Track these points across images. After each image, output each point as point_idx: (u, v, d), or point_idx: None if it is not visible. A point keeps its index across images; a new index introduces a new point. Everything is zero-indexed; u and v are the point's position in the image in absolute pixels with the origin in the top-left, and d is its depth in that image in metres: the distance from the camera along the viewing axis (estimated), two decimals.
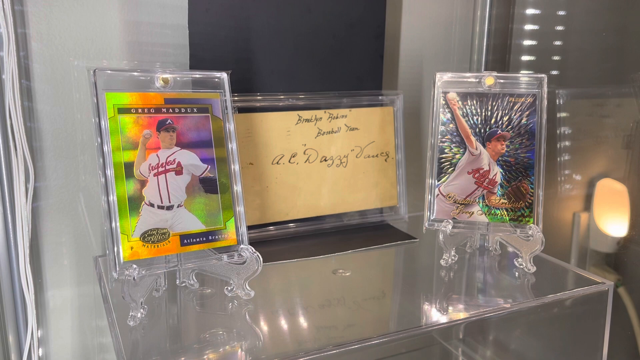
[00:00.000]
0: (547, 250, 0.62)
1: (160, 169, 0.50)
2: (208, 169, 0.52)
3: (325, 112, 0.71)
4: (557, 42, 0.83)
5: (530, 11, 0.86)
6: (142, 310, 0.47)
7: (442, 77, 0.65)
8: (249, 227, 0.65)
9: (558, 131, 0.83)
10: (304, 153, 0.70)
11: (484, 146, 0.63)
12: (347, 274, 0.60)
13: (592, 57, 0.79)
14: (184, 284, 0.54)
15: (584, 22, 0.81)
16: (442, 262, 0.62)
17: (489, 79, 0.64)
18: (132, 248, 0.47)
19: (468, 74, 0.65)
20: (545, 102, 0.63)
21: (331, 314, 0.51)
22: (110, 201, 0.47)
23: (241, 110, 0.66)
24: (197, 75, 0.54)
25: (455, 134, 0.64)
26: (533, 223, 0.62)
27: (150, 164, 0.49)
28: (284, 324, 0.49)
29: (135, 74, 0.51)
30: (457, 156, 0.64)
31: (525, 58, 0.87)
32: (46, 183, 0.64)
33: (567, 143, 0.83)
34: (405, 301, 0.55)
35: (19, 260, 0.61)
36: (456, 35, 0.88)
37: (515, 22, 0.87)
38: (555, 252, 0.67)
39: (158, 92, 0.51)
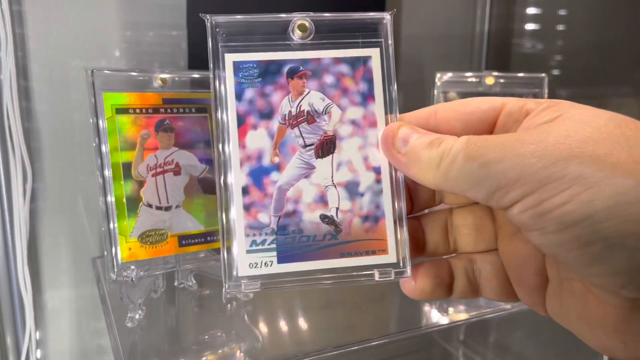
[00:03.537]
0: None
1: (159, 170, 0.49)
2: (207, 169, 0.52)
3: None
4: (558, 42, 0.83)
5: (530, 10, 0.85)
6: (140, 311, 0.47)
7: (442, 77, 0.65)
8: None
9: None
10: None
11: None
12: None
13: (593, 56, 0.78)
14: (182, 285, 0.54)
15: (584, 21, 0.80)
16: None
17: (489, 79, 0.63)
18: (130, 249, 0.47)
19: (468, 74, 0.64)
20: None
21: (331, 315, 0.51)
22: (108, 202, 0.47)
23: None
24: (196, 76, 0.53)
25: None
26: None
27: (148, 165, 0.49)
28: (283, 325, 0.48)
29: (134, 74, 0.51)
30: None
31: (525, 57, 0.86)
32: (44, 184, 0.64)
33: None
34: (405, 302, 0.55)
35: (16, 261, 0.61)
36: (456, 35, 0.87)
37: (516, 21, 0.86)
38: None
39: (156, 92, 0.50)
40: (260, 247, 0.28)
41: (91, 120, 0.48)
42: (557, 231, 0.21)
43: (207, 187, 0.52)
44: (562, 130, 0.22)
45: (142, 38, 0.66)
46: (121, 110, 0.48)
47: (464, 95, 0.64)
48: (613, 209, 0.20)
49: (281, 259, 0.28)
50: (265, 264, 0.28)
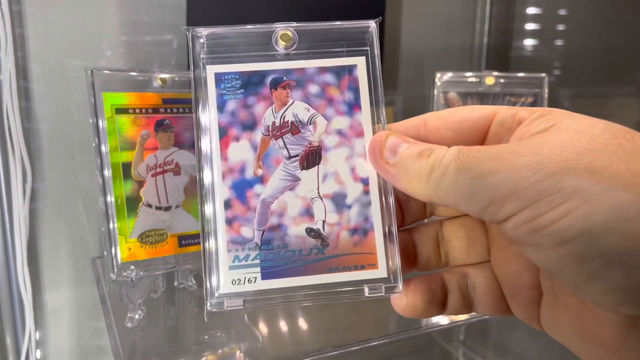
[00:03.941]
0: None
1: (159, 170, 0.49)
2: None
3: None
4: (558, 42, 0.82)
5: (530, 10, 0.85)
6: (140, 311, 0.47)
7: (442, 77, 0.64)
8: None
9: None
10: None
11: None
12: None
13: (594, 56, 0.78)
14: (182, 285, 0.54)
15: (585, 21, 0.80)
16: None
17: (490, 79, 0.63)
18: (130, 249, 0.47)
19: (468, 74, 0.64)
20: (546, 102, 0.62)
21: (331, 315, 0.51)
22: (108, 202, 0.47)
23: None
24: None
25: None
26: None
27: (148, 165, 0.49)
28: (283, 325, 0.48)
29: (133, 74, 0.50)
30: None
31: (525, 57, 0.86)
32: (44, 184, 0.64)
33: None
34: None
35: (16, 261, 0.60)
36: (456, 34, 0.87)
37: (516, 21, 0.86)
38: None
39: (156, 92, 0.50)
40: (243, 262, 0.27)
41: (91, 120, 0.48)
42: (553, 247, 0.20)
43: None
44: (557, 142, 0.21)
45: (142, 38, 0.66)
46: (121, 110, 0.48)
47: (464, 95, 0.64)
48: (611, 224, 0.19)
49: (265, 275, 0.27)
50: (248, 280, 0.26)
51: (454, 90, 0.64)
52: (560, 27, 0.82)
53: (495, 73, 0.63)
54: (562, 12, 0.82)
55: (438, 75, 0.64)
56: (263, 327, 0.47)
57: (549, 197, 0.20)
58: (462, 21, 0.87)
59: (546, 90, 0.62)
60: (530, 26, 0.86)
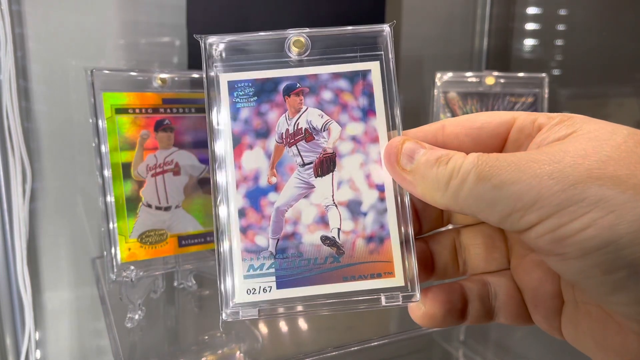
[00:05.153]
0: None
1: (158, 170, 0.49)
2: (206, 169, 0.52)
3: None
4: (559, 42, 0.82)
5: (531, 10, 0.85)
6: (139, 312, 0.47)
7: (443, 77, 0.64)
8: None
9: None
10: None
11: None
12: None
13: (594, 56, 0.78)
14: (181, 286, 0.54)
15: (585, 21, 0.80)
16: None
17: (490, 79, 0.63)
18: (129, 249, 0.47)
19: (468, 74, 0.64)
20: (546, 102, 0.62)
21: (331, 315, 0.51)
22: (108, 202, 0.47)
23: None
24: (195, 75, 0.53)
25: None
26: None
27: (148, 165, 0.49)
28: (283, 325, 0.48)
29: (133, 74, 0.50)
30: None
31: (526, 57, 0.86)
32: (43, 184, 0.64)
33: None
34: None
35: (16, 261, 0.60)
36: (456, 34, 0.87)
37: (516, 21, 0.86)
38: None
39: (156, 92, 0.50)
40: (258, 272, 0.26)
41: (91, 120, 0.48)
42: (578, 257, 0.20)
43: (206, 187, 0.52)
44: (579, 149, 0.21)
45: (142, 38, 0.66)
46: (121, 110, 0.48)
47: (464, 95, 0.64)
48: (638, 234, 0.19)
49: (280, 284, 0.26)
50: (263, 289, 0.26)
51: (454, 90, 0.64)
52: (560, 27, 0.82)
53: (496, 73, 0.63)
54: (562, 12, 0.82)
55: (438, 75, 0.64)
56: (263, 328, 0.47)
57: (572, 207, 0.20)
58: (462, 21, 0.87)
59: (546, 90, 0.62)
60: (530, 26, 0.86)
